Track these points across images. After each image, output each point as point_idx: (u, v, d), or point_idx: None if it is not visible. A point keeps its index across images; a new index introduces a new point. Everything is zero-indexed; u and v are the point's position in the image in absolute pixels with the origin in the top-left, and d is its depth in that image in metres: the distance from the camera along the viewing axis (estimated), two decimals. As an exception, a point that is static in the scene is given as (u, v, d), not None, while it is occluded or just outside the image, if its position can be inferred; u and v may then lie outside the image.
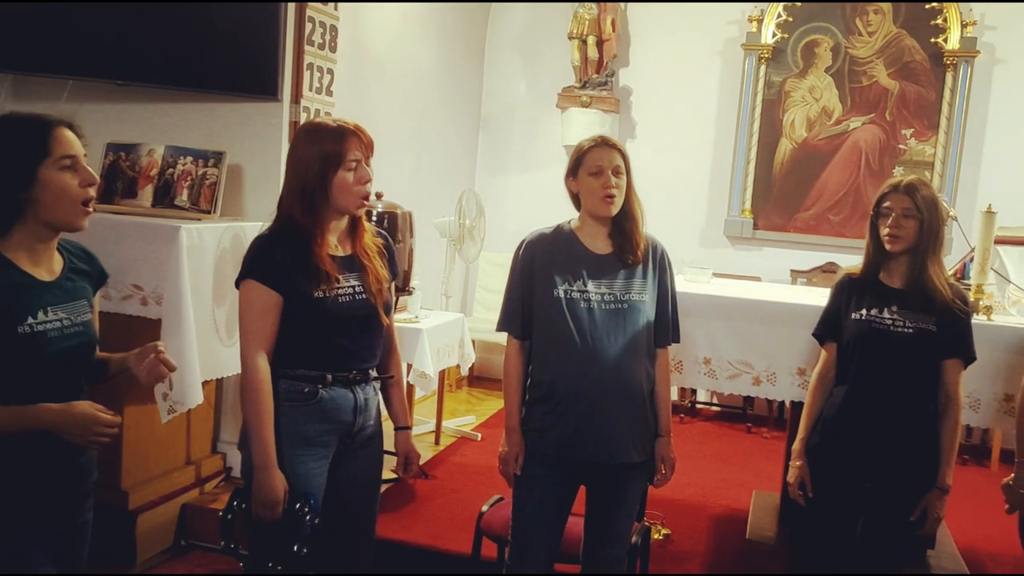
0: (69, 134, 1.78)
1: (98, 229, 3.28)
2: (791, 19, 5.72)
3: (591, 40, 5.91)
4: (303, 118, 3.68)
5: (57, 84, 3.77)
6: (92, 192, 1.79)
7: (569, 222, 2.49)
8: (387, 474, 2.55)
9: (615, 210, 2.37)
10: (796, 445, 2.68)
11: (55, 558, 1.84)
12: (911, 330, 2.49)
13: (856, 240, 4.95)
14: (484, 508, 2.94)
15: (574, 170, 2.42)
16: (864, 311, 2.55)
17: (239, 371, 2.16)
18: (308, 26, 3.71)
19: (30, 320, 1.72)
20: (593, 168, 2.36)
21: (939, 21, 5.49)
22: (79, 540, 1.92)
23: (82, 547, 1.94)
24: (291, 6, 3.62)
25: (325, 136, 2.15)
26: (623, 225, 2.41)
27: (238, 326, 2.19)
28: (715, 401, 5.94)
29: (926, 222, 2.48)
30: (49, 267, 1.82)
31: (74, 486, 1.88)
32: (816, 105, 5.78)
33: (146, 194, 3.51)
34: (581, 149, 2.41)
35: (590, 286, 2.38)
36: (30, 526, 1.78)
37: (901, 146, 5.67)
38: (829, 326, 2.68)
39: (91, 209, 1.79)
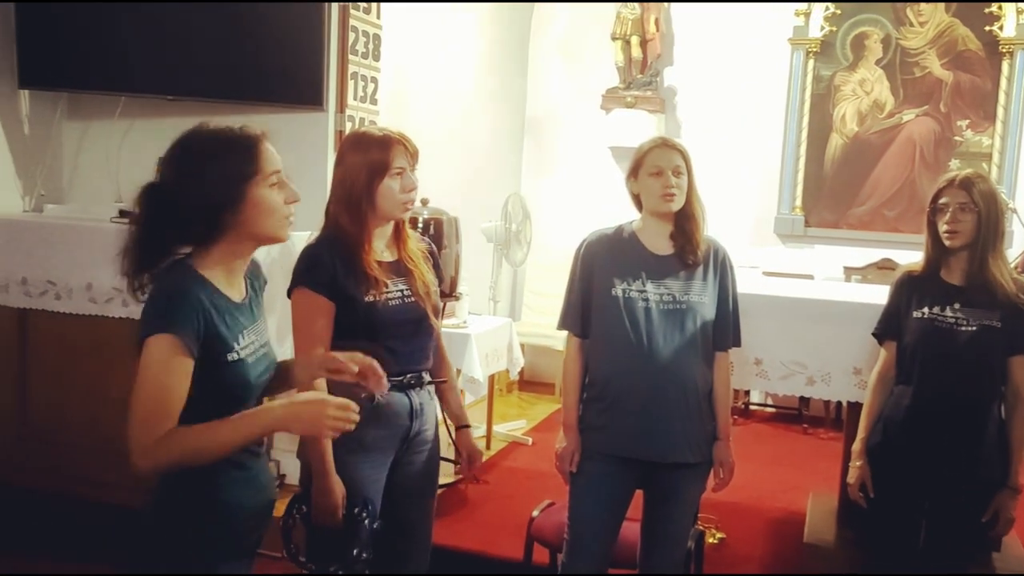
0: (272, 148, 1.68)
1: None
2: (839, 12, 5.62)
3: (635, 40, 5.87)
4: (348, 127, 3.71)
5: (110, 101, 3.86)
6: (293, 209, 1.70)
7: (631, 223, 2.50)
8: (440, 479, 2.56)
9: (676, 206, 2.37)
10: (856, 446, 2.63)
11: None
12: (975, 328, 2.43)
13: (912, 236, 4.84)
14: (535, 513, 2.92)
15: (635, 171, 2.43)
16: (926, 309, 2.50)
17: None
18: (351, 36, 3.74)
19: (235, 347, 1.63)
20: (653, 169, 2.37)
21: (993, 9, 5.34)
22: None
23: None
24: (335, 18, 3.65)
25: (371, 145, 2.18)
26: (684, 226, 2.41)
27: (292, 335, 2.22)
28: (770, 402, 5.84)
29: (984, 215, 2.42)
30: (239, 287, 1.73)
31: (265, 519, 1.80)
32: (867, 98, 5.66)
33: (197, 206, 3.57)
34: (641, 150, 2.42)
35: (649, 286, 2.38)
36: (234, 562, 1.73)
37: (956, 138, 5.52)
38: (889, 325, 2.62)
39: (293, 222, 1.71)
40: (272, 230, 1.67)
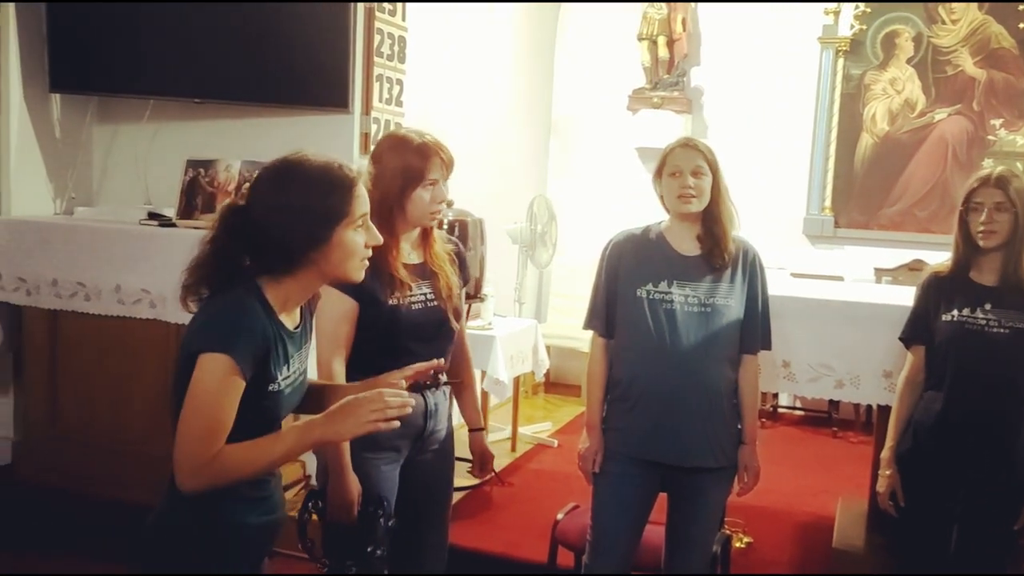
0: (364, 190, 1.66)
1: (181, 244, 3.38)
2: (869, 10, 5.55)
3: (661, 40, 5.84)
4: (373, 129, 3.72)
5: (139, 104, 3.90)
6: (370, 252, 1.69)
7: (659, 223, 2.48)
8: (463, 481, 2.56)
9: (694, 208, 2.35)
10: (885, 453, 2.59)
11: None
12: (1007, 330, 2.38)
13: (944, 236, 4.74)
14: (560, 516, 2.91)
15: (659, 172, 2.42)
16: (955, 312, 2.44)
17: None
18: (377, 38, 3.74)
19: (278, 377, 1.62)
20: (673, 169, 2.36)
21: (1028, 5, 5.25)
22: None
23: None
24: (360, 20, 3.66)
25: (408, 151, 2.19)
26: (711, 227, 2.38)
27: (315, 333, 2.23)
28: (798, 405, 5.77)
29: (1021, 215, 2.37)
30: (295, 315, 1.70)
31: (270, 540, 1.78)
32: (898, 97, 5.58)
33: (224, 208, 3.59)
34: (664, 151, 2.42)
35: (674, 288, 2.36)
36: None
37: (990, 137, 5.43)
38: (917, 328, 2.57)
39: (368, 263, 1.70)
40: (348, 272, 1.66)
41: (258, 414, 1.59)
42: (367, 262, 1.69)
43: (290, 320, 1.68)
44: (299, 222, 1.58)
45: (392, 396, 1.55)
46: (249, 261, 1.61)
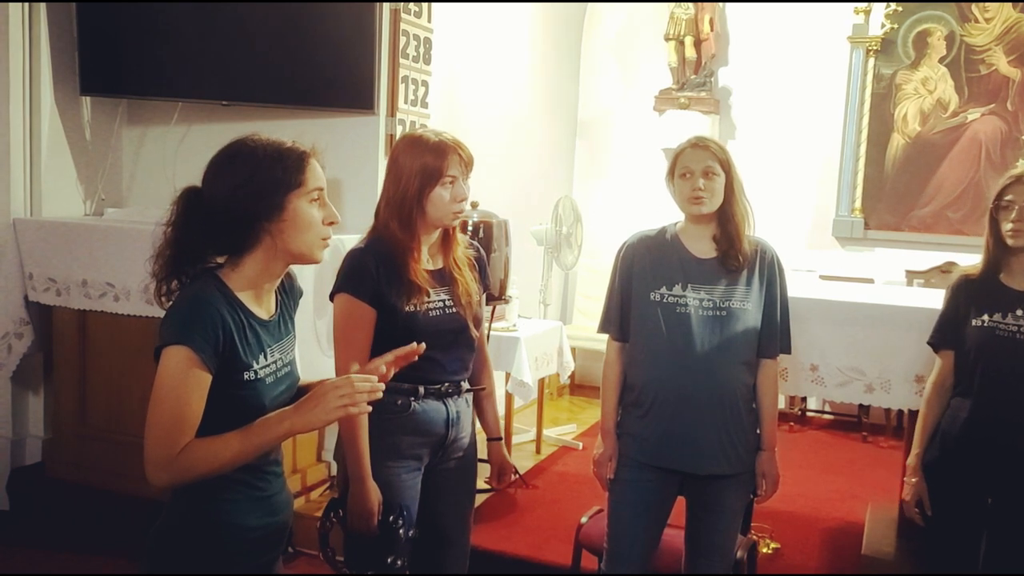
0: (319, 167, 1.65)
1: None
2: (900, 9, 5.47)
3: (688, 40, 5.80)
4: (399, 131, 3.73)
5: (167, 106, 3.94)
6: (330, 231, 1.66)
7: (675, 224, 2.44)
8: (485, 485, 2.54)
9: (704, 210, 2.30)
10: (911, 460, 2.53)
11: None
12: None
13: (977, 238, 4.68)
14: (583, 520, 2.89)
15: (671, 172, 2.39)
16: (986, 317, 2.39)
17: (337, 382, 2.18)
18: (402, 39, 3.75)
19: (253, 365, 1.59)
20: (683, 170, 2.32)
21: (1064, 3, 5.15)
22: None
23: None
24: (386, 22, 3.67)
25: (425, 150, 2.15)
26: (726, 228, 2.33)
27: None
28: (828, 409, 5.70)
29: None
30: (268, 304, 1.68)
31: (276, 542, 1.75)
32: (930, 97, 5.50)
33: (250, 209, 3.61)
34: (675, 151, 2.38)
35: (688, 291, 2.32)
36: None
37: (1024, 137, 5.34)
38: (946, 333, 2.51)
39: (328, 244, 1.67)
40: (306, 247, 1.63)
41: (237, 405, 1.56)
42: (328, 242, 1.66)
43: (262, 309, 1.65)
44: (251, 192, 1.56)
45: (361, 382, 1.52)
46: (208, 243, 1.60)
